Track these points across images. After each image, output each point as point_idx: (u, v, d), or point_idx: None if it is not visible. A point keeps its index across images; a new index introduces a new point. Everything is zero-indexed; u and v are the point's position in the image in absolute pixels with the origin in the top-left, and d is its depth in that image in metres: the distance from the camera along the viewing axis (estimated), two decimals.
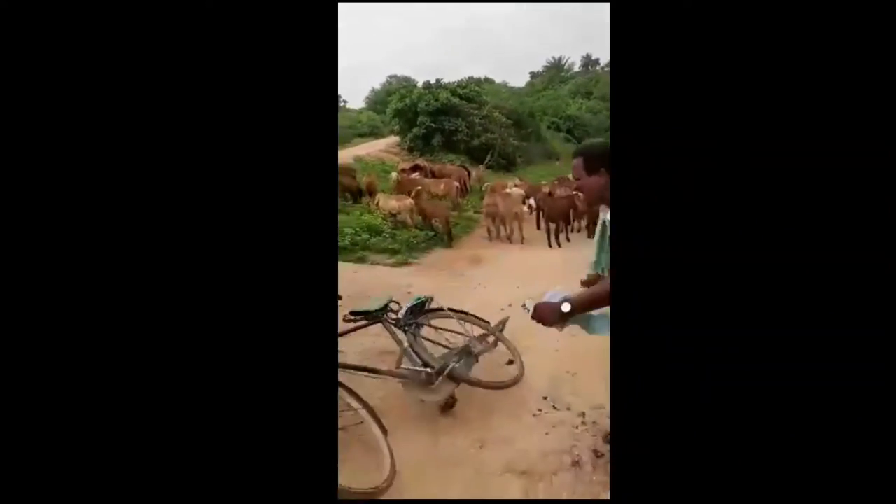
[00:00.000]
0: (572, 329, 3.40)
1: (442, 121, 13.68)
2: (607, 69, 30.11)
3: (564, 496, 1.81)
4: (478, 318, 2.85)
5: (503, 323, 2.86)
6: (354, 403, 1.99)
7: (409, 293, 4.16)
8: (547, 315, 1.54)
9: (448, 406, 2.34)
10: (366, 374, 2.25)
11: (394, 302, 2.63)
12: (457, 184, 8.36)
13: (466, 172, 9.78)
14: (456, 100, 14.06)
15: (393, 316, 2.58)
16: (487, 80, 19.84)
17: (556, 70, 30.31)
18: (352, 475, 1.68)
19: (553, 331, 3.44)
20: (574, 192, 6.28)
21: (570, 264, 4.67)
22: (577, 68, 31.02)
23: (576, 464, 1.97)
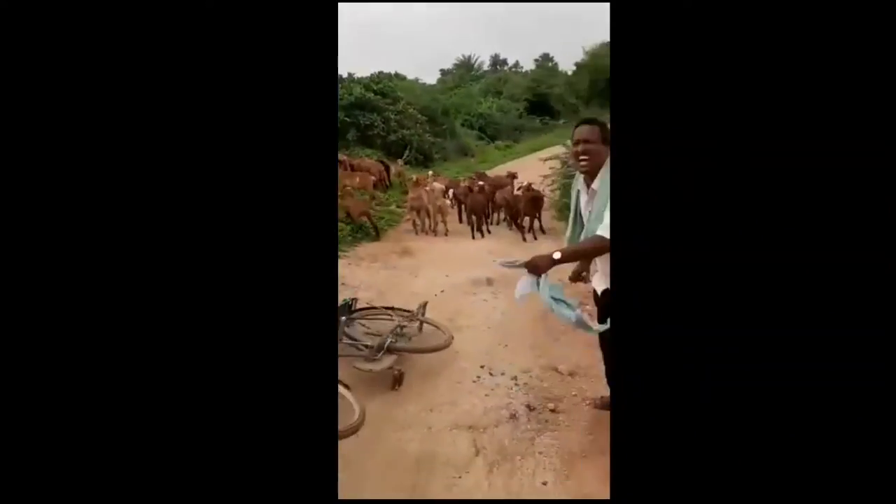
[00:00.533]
0: (500, 308, 3.79)
1: (357, 115, 13.65)
2: (515, 69, 31.43)
3: (506, 443, 2.14)
4: (400, 309, 3.20)
5: (423, 307, 3.20)
6: None
7: (342, 284, 4.32)
8: (541, 264, 1.83)
9: (397, 381, 2.60)
10: None
11: None
12: (373, 177, 8.52)
13: (385, 167, 9.95)
14: (370, 95, 14.09)
15: None
16: (398, 76, 19.98)
17: (465, 69, 31.06)
18: None
19: (486, 310, 3.82)
20: (484, 185, 6.71)
21: (493, 253, 5.07)
22: (486, 67, 32.07)
23: (513, 417, 2.32)
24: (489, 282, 4.15)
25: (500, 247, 5.57)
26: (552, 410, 2.36)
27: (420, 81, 22.29)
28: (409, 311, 3.16)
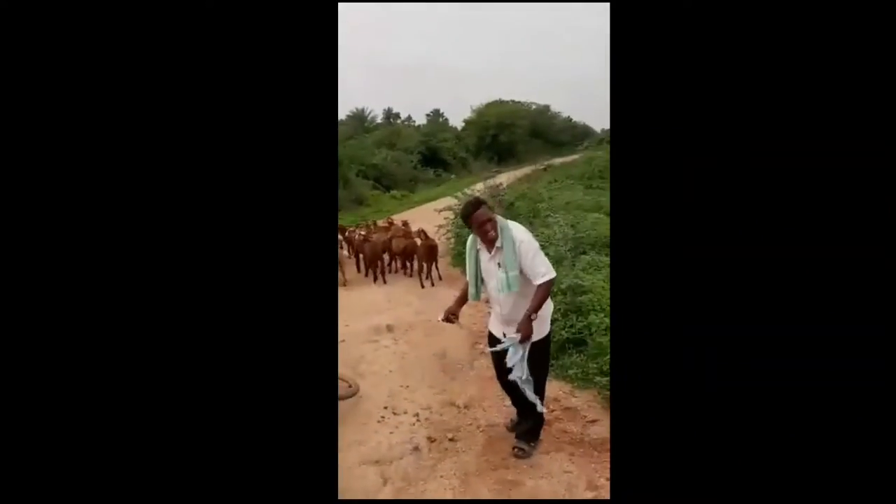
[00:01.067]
0: (400, 352, 4.03)
1: None
2: (408, 122, 32.79)
3: (410, 472, 2.36)
4: None
5: None
6: None
7: None
8: (527, 329, 2.12)
9: None
10: None
11: None
12: None
13: None
14: None
15: None
16: None
17: (359, 121, 31.73)
18: None
19: (387, 356, 4.03)
20: (372, 233, 7.01)
21: (393, 300, 5.32)
22: (379, 120, 33.04)
23: (415, 449, 2.55)
24: (389, 328, 4.38)
25: (398, 292, 5.84)
26: (451, 440, 2.63)
27: None
28: None
